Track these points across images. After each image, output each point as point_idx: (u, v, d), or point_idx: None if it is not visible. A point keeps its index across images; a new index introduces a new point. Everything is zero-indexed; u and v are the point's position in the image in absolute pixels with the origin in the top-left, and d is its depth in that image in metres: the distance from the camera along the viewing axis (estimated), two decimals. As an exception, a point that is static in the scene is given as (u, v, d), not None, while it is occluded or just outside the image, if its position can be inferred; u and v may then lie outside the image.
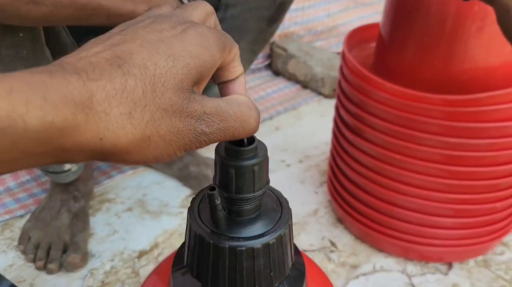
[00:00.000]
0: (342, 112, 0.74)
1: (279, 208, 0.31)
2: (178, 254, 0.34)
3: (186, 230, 0.32)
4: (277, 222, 0.30)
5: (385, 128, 0.65)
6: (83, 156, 0.23)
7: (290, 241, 0.31)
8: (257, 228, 0.30)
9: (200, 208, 0.31)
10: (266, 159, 0.29)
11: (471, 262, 0.75)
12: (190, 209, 0.31)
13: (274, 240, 0.29)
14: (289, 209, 0.32)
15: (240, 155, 0.28)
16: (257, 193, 0.29)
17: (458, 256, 0.74)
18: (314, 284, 0.36)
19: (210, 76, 0.27)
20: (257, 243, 0.29)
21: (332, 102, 1.23)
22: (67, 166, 0.71)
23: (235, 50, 0.28)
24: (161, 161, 0.25)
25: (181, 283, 0.32)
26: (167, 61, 0.24)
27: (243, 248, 0.28)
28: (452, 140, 0.62)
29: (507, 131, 0.61)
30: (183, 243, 0.34)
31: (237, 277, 0.29)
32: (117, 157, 0.24)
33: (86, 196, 0.78)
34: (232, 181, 0.29)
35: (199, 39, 0.25)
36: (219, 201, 0.28)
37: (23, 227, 0.74)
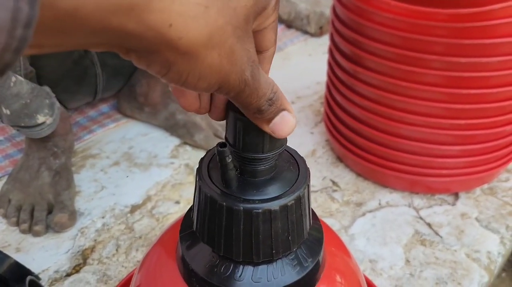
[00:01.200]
0: (338, 40, 0.68)
1: (296, 168, 0.28)
2: (185, 220, 0.31)
3: (194, 193, 0.28)
4: (295, 183, 0.27)
5: (388, 53, 0.60)
6: (139, 45, 0.19)
7: (309, 202, 0.28)
8: (273, 189, 0.26)
9: (210, 168, 0.28)
10: None
11: (477, 191, 0.73)
12: (199, 170, 0.27)
13: (293, 201, 0.26)
14: (307, 169, 0.28)
15: None
16: (274, 152, 0.26)
17: (465, 185, 0.71)
18: (327, 244, 0.33)
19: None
20: (274, 205, 0.25)
21: (319, 41, 1.17)
22: (41, 119, 0.64)
23: (276, 15, 0.25)
24: (196, 87, 0.22)
25: (190, 249, 0.29)
26: None
27: (260, 210, 0.25)
28: (462, 60, 0.57)
29: (521, 46, 0.57)
30: (190, 208, 0.30)
31: (253, 242, 0.26)
32: (168, 57, 0.20)
33: (66, 151, 0.72)
34: (247, 139, 0.25)
35: None
36: (230, 159, 0.25)
37: (1, 189, 0.68)
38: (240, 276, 0.26)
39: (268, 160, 0.26)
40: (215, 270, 0.27)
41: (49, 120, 0.65)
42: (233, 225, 0.25)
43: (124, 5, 0.17)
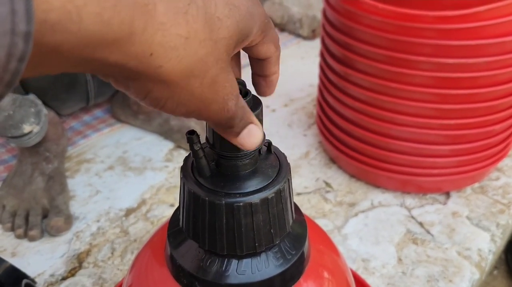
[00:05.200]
0: (329, 43, 0.69)
1: (277, 163, 0.29)
2: (173, 218, 0.32)
3: (180, 190, 0.29)
4: (276, 177, 0.28)
5: (378, 55, 0.61)
6: (119, 73, 0.20)
7: (290, 196, 0.29)
8: (254, 183, 0.27)
9: (194, 166, 0.28)
10: (258, 115, 0.26)
11: (468, 189, 0.74)
12: (183, 167, 0.28)
13: (273, 194, 0.27)
14: (288, 164, 0.29)
15: None
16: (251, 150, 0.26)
17: (456, 184, 0.72)
18: (315, 241, 0.34)
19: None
20: (255, 198, 0.26)
21: (312, 44, 1.18)
22: (27, 128, 0.64)
23: (264, 35, 0.25)
24: (175, 112, 0.22)
25: (178, 246, 0.29)
26: (225, 8, 0.22)
27: (241, 203, 0.26)
28: (450, 61, 0.58)
29: (507, 47, 0.58)
30: (178, 207, 0.31)
31: (236, 235, 0.26)
32: (147, 84, 0.20)
33: (59, 156, 0.72)
34: (224, 138, 0.26)
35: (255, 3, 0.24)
36: (198, 147, 0.26)
37: (-5, 196, 0.69)
38: (225, 269, 0.27)
39: (246, 157, 0.27)
40: (201, 264, 0.27)
41: (36, 129, 0.65)
42: (216, 219, 0.26)
43: (107, 39, 0.17)
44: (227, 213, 0.26)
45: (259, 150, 0.28)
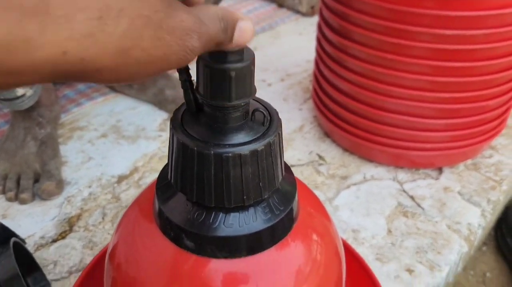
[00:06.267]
0: (327, 14, 0.68)
1: (268, 117, 0.28)
2: (161, 174, 0.32)
3: (169, 142, 0.28)
4: (266, 131, 0.27)
5: (376, 25, 0.60)
6: (40, 79, 0.18)
7: (280, 151, 0.29)
8: (244, 136, 0.27)
9: (183, 118, 0.28)
10: (249, 66, 0.26)
11: (461, 166, 0.74)
12: (172, 119, 0.28)
13: (263, 147, 0.26)
14: (279, 119, 0.29)
15: (221, 58, 0.25)
16: (241, 101, 0.26)
17: (449, 160, 0.72)
18: (306, 204, 0.34)
19: None
20: (245, 150, 0.26)
21: (311, 21, 1.16)
22: (20, 91, 0.63)
23: None
24: (135, 81, 0.21)
25: (166, 199, 0.29)
26: None
27: (230, 154, 0.25)
28: (447, 32, 0.57)
29: (507, 19, 0.57)
30: (166, 164, 0.31)
31: (224, 187, 0.26)
32: (85, 76, 0.19)
33: (52, 122, 0.71)
34: (214, 87, 0.25)
35: None
36: (184, 79, 0.26)
37: (-14, 160, 0.68)
38: (212, 222, 0.27)
39: (237, 108, 0.27)
40: (189, 216, 0.27)
41: (29, 92, 0.65)
42: (204, 170, 0.26)
43: (2, 52, 0.16)
44: (215, 164, 0.25)
45: (252, 113, 0.27)
